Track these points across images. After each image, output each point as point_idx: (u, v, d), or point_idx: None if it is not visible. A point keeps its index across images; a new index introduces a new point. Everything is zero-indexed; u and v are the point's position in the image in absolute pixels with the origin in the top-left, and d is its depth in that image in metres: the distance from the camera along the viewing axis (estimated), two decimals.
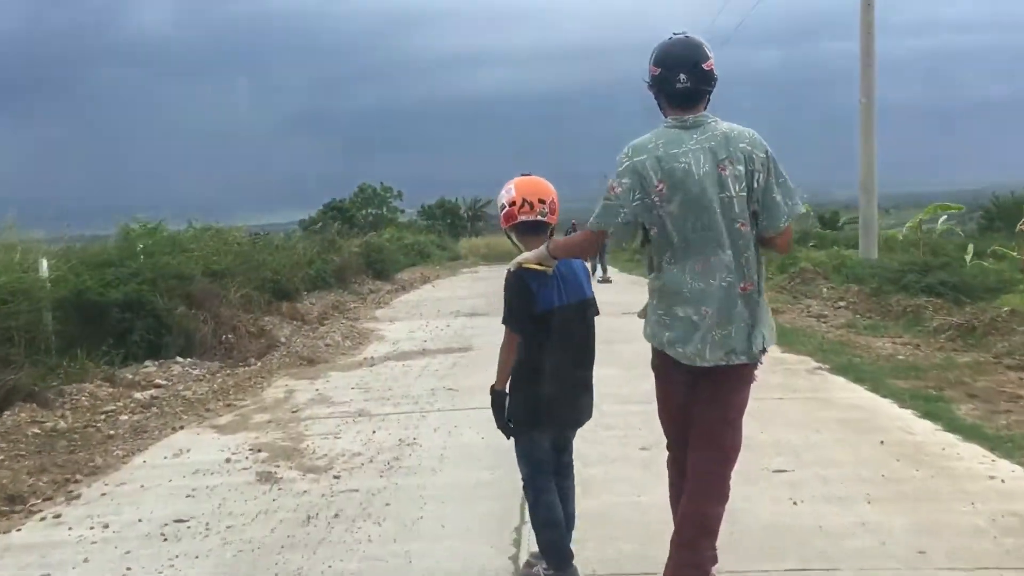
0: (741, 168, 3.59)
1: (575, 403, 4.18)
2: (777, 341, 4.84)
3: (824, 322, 13.87)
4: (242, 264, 16.52)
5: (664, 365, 3.79)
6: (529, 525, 4.53)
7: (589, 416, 4.28)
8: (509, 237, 4.28)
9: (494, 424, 4.18)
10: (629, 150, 3.69)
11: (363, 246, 27.97)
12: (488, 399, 4.14)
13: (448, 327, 15.24)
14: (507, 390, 4.11)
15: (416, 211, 70.26)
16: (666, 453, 4.09)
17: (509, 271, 4.10)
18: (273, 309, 16.69)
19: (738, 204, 3.60)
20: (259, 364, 11.80)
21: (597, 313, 4.25)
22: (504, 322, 4.15)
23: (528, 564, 4.41)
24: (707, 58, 3.68)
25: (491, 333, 12.85)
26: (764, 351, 3.72)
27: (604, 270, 26.39)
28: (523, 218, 4.12)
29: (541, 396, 4.05)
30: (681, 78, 3.64)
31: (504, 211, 4.18)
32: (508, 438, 4.20)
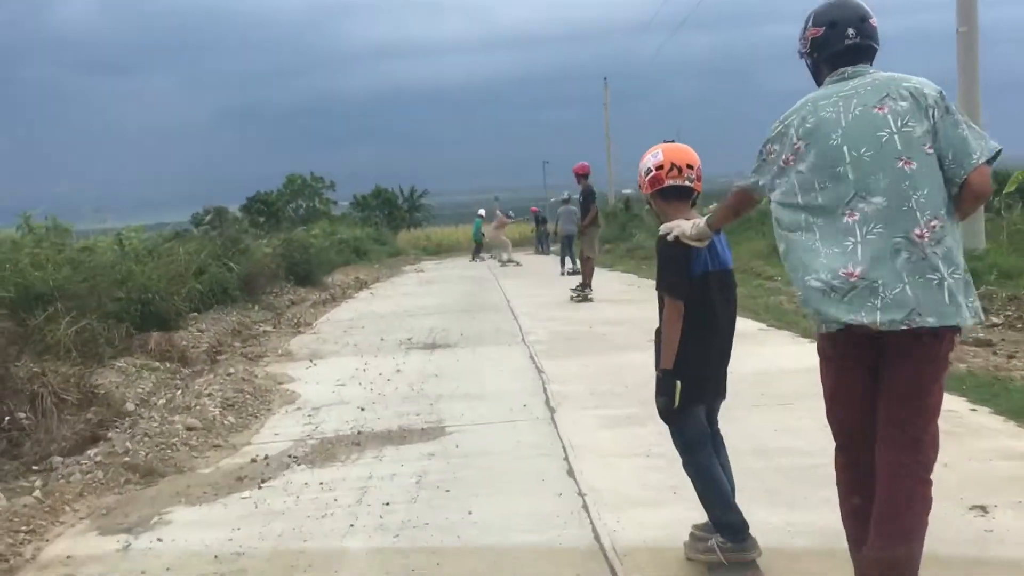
0: (905, 104, 3.24)
1: (725, 371, 4.19)
2: None
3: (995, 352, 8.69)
4: (84, 281, 10.86)
5: (830, 342, 3.31)
6: None
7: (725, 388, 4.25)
8: (649, 203, 4.27)
9: None
10: (784, 115, 3.44)
11: (282, 245, 22.15)
12: None
13: (398, 372, 9.70)
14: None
15: (349, 203, 64.35)
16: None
17: (662, 237, 3.96)
18: (136, 345, 11.05)
19: (901, 141, 3.21)
20: (41, 486, 6.07)
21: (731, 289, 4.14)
22: (665, 291, 3.99)
23: (697, 538, 4.20)
24: (871, 15, 3.42)
25: (472, 385, 8.92)
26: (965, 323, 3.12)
27: (573, 260, 22.71)
28: (671, 182, 4.06)
29: (705, 366, 4.03)
30: (850, 33, 3.38)
31: (650, 175, 4.10)
32: (668, 424, 4.13)
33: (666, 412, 4.03)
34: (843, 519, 3.50)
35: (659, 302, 4.08)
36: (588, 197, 17.36)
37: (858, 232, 3.16)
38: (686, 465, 4.14)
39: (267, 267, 18.25)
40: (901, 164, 3.18)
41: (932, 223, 3.14)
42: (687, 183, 4.05)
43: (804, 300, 3.26)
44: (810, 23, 3.49)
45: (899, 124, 3.22)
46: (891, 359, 3.23)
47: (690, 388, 3.97)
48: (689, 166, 4.06)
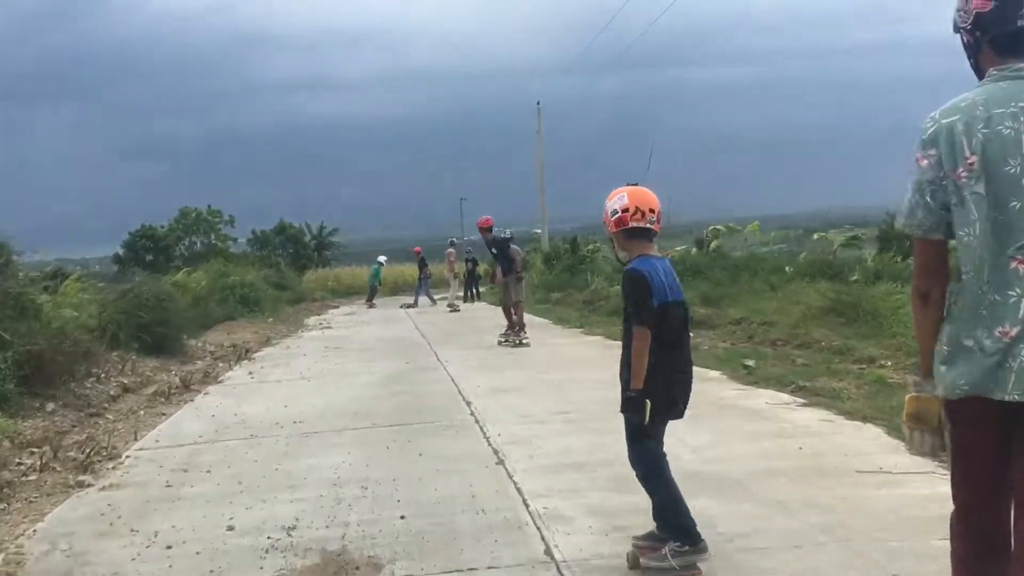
0: None
1: (688, 390, 4.51)
2: None
3: None
4: None
5: (962, 409, 2.77)
6: None
7: (684, 409, 4.54)
8: (612, 241, 4.57)
9: None
10: (939, 111, 2.76)
11: (125, 300, 15.36)
12: None
13: None
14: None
15: (246, 239, 56.95)
16: None
17: (625, 274, 4.37)
18: None
19: None
20: None
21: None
22: (634, 319, 4.31)
23: (647, 548, 4.46)
24: None
25: None
26: None
27: (475, 295, 24.31)
28: (635, 224, 4.38)
29: (673, 386, 4.38)
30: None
31: (616, 216, 4.40)
32: (638, 442, 4.45)
33: (638, 430, 4.39)
34: None
35: (624, 333, 4.45)
36: (502, 245, 16.88)
37: None
38: (646, 479, 4.49)
39: (79, 338, 11.40)
40: None
41: None
42: (648, 225, 4.41)
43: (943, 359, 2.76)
44: None
45: None
46: None
47: (660, 408, 4.35)
48: (651, 210, 4.42)
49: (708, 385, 10.13)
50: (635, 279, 4.32)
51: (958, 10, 2.86)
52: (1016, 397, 2.60)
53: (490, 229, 17.04)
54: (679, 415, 4.53)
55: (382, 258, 36.70)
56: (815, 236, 32.02)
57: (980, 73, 2.85)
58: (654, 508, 4.48)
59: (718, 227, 29.56)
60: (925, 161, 2.76)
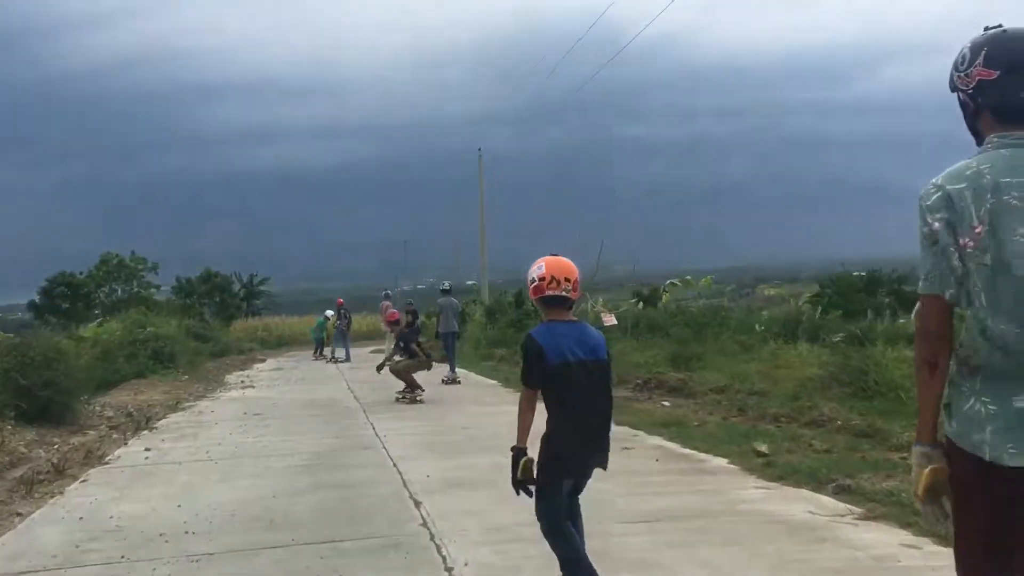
0: None
1: (592, 450, 4.60)
2: None
3: None
4: None
5: (969, 474, 2.66)
6: None
7: (604, 464, 4.68)
8: (534, 306, 4.91)
9: None
10: (940, 179, 2.71)
11: (9, 357, 12.88)
12: None
13: None
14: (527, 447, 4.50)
15: (171, 287, 53.73)
16: None
17: (527, 335, 4.62)
18: None
19: None
20: None
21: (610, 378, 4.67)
22: (521, 380, 4.59)
23: None
24: None
25: None
26: None
27: (452, 365, 20.17)
28: (550, 293, 4.60)
29: (569, 445, 4.50)
30: None
31: (534, 284, 4.64)
32: (518, 494, 4.58)
33: (513, 484, 4.55)
34: None
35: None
36: (410, 330, 17.61)
37: None
38: (547, 534, 4.58)
39: None
40: None
41: None
42: (563, 293, 4.61)
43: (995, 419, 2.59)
44: (980, 60, 2.72)
45: None
46: None
47: (556, 465, 4.51)
48: (567, 279, 4.62)
49: (718, 480, 8.01)
50: (526, 343, 4.58)
51: (958, 71, 2.81)
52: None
53: (398, 323, 17.97)
54: (586, 475, 4.74)
55: (328, 312, 34.64)
56: (767, 290, 30.76)
57: (976, 135, 2.83)
58: (559, 563, 4.62)
59: (675, 281, 27.77)
60: (937, 224, 2.67)
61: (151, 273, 50.39)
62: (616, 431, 11.08)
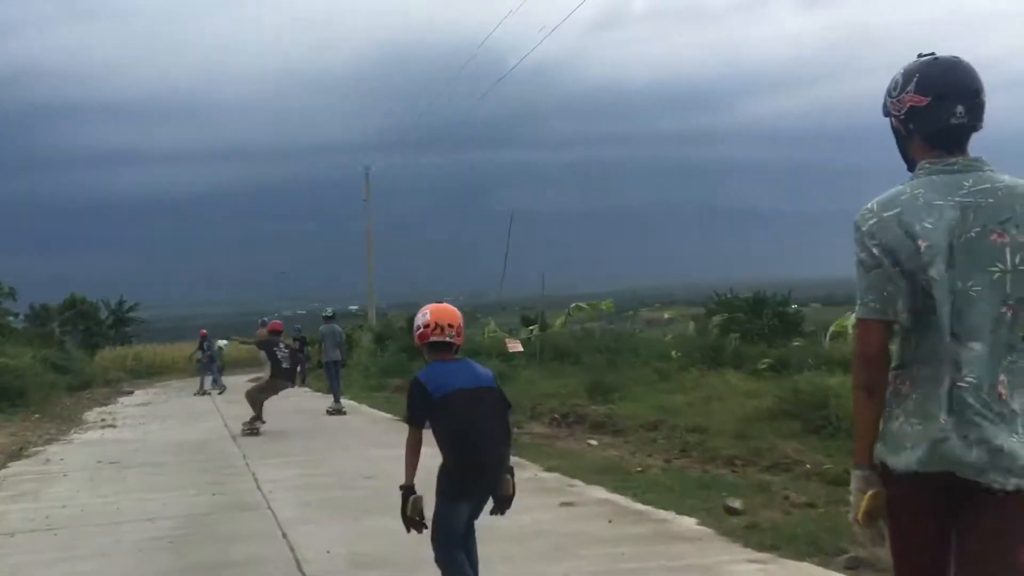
0: None
1: (490, 478, 4.69)
2: None
3: None
4: None
5: (902, 490, 2.73)
6: None
7: (505, 489, 4.73)
8: (421, 351, 4.94)
9: None
10: (874, 204, 2.77)
11: None
12: None
13: None
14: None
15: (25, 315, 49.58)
16: None
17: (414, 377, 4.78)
18: None
19: (1012, 282, 2.65)
20: None
21: (505, 402, 4.80)
22: (405, 420, 4.72)
23: None
24: (983, 88, 2.76)
25: None
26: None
27: (337, 395, 19.11)
28: (435, 339, 4.74)
29: (459, 474, 4.60)
30: (959, 111, 2.71)
31: (419, 331, 4.80)
32: (408, 532, 4.68)
33: (404, 522, 4.65)
34: None
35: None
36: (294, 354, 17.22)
37: (966, 372, 2.65)
38: (438, 561, 4.67)
39: None
40: (1004, 310, 2.68)
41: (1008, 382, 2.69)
42: (448, 339, 4.75)
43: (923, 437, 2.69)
44: (911, 86, 2.80)
45: (1016, 261, 2.66)
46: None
47: (452, 492, 4.62)
48: (450, 325, 4.76)
49: (697, 550, 6.38)
50: (410, 385, 4.77)
51: (891, 97, 2.86)
52: (976, 476, 2.63)
53: (279, 333, 16.99)
54: (484, 501, 4.76)
55: (221, 342, 32.27)
56: (649, 313, 29.87)
57: (907, 159, 2.90)
58: None
59: (580, 304, 26.41)
60: (875, 249, 2.72)
61: (8, 299, 46.35)
62: (549, 479, 9.51)
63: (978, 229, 2.65)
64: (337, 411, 18.23)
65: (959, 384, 2.62)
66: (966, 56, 2.81)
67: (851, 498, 2.78)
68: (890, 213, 2.71)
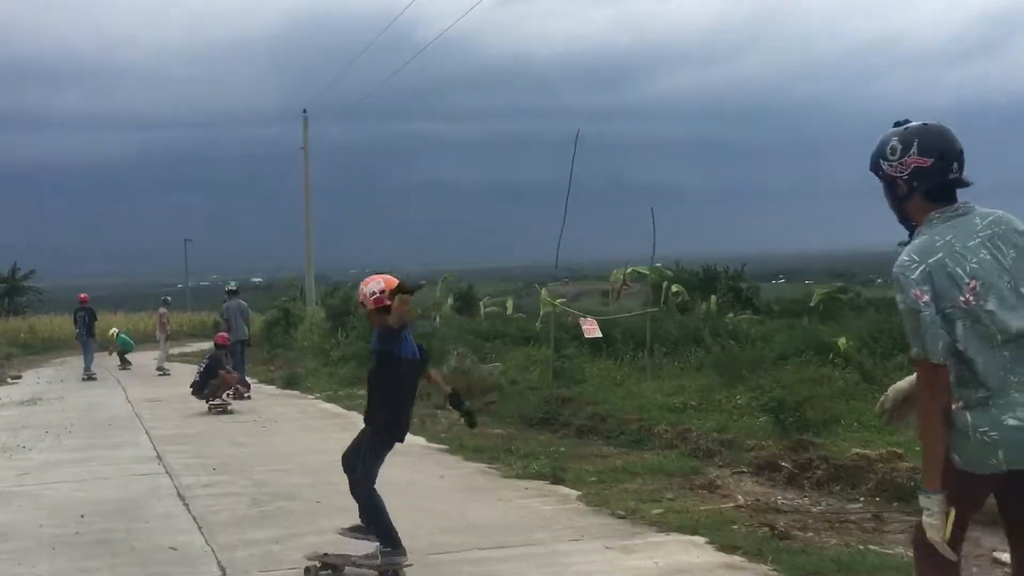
0: None
1: (406, 428, 5.71)
2: None
3: None
4: None
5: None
6: None
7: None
8: (369, 314, 5.69)
9: None
10: (917, 253, 3.13)
11: None
12: None
13: None
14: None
15: None
16: None
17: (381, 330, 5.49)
18: None
19: None
20: None
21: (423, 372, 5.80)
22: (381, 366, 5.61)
23: (355, 531, 5.68)
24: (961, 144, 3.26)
25: None
26: None
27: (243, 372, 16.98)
28: (388, 303, 5.45)
29: (398, 424, 5.61)
30: (955, 168, 3.20)
31: (374, 296, 5.52)
32: (360, 454, 5.62)
33: (368, 448, 5.61)
34: None
35: (369, 386, 5.72)
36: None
37: None
38: (366, 496, 5.51)
39: None
40: None
41: None
42: (388, 302, 5.48)
43: (1001, 441, 3.01)
44: (913, 150, 3.22)
45: None
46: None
47: (387, 439, 5.61)
48: (392, 292, 5.45)
49: None
50: (384, 332, 5.47)
51: (889, 161, 3.23)
52: None
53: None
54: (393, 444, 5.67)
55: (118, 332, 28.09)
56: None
57: (900, 213, 3.31)
58: (362, 512, 5.57)
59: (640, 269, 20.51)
60: (926, 297, 3.05)
61: None
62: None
63: (1014, 252, 3.11)
64: (242, 395, 15.63)
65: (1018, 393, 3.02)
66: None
67: (931, 520, 3.04)
68: (935, 259, 3.08)
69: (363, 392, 15.23)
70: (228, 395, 14.82)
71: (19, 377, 24.77)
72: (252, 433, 11.97)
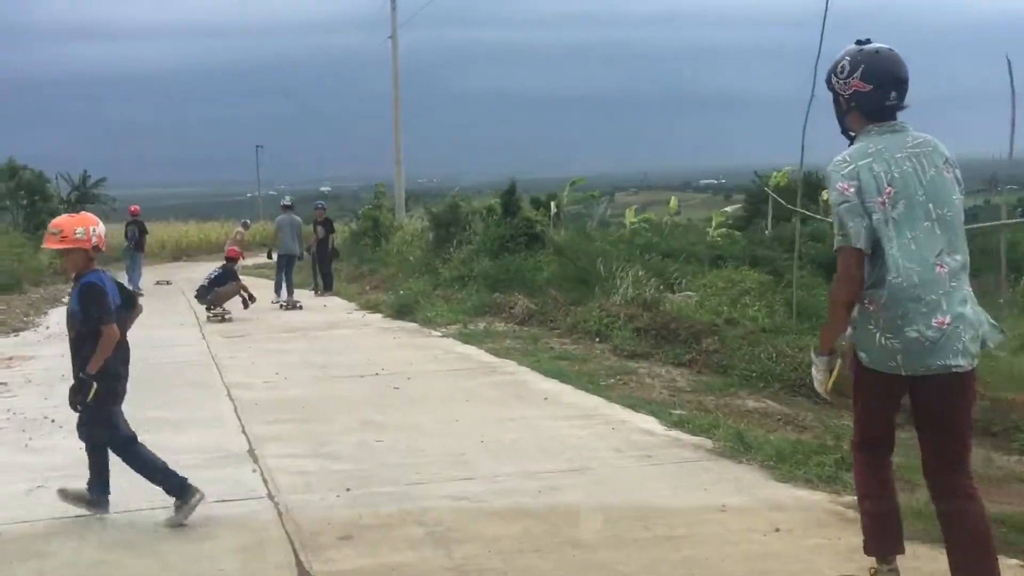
0: (959, 173, 3.48)
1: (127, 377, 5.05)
2: None
3: None
4: None
5: (879, 382, 3.45)
6: None
7: None
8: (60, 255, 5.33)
9: None
10: (849, 155, 3.47)
11: None
12: None
13: None
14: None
15: None
16: None
17: (84, 283, 4.85)
18: None
19: (959, 208, 3.44)
20: None
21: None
22: (105, 320, 4.78)
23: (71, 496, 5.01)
24: (908, 75, 3.49)
25: None
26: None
27: (290, 288, 17.11)
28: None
29: (119, 378, 4.95)
30: (892, 96, 3.45)
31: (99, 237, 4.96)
32: (77, 410, 4.90)
33: (79, 405, 4.87)
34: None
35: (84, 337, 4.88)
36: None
37: (947, 283, 3.30)
38: (128, 459, 4.97)
39: None
40: (957, 234, 3.39)
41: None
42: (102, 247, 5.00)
43: (901, 349, 3.31)
44: (857, 74, 3.45)
45: (959, 190, 3.43)
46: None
47: (111, 393, 4.89)
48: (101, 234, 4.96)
49: None
50: (98, 287, 4.86)
51: (838, 78, 3.49)
52: (954, 367, 3.28)
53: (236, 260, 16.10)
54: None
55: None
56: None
57: (842, 124, 3.59)
58: (147, 475, 4.98)
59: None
60: (850, 190, 3.36)
61: None
62: None
63: (934, 170, 3.37)
64: (292, 305, 16.43)
65: (934, 299, 3.27)
66: None
67: (816, 374, 3.58)
68: (864, 161, 3.38)
69: (502, 328, 11.35)
70: (234, 307, 15.04)
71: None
72: (385, 402, 7.87)
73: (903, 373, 3.31)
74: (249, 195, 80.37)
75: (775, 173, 20.17)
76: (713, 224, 17.09)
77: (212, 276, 15.25)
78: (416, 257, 19.30)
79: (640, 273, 11.60)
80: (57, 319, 15.57)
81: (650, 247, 13.57)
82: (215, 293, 14.82)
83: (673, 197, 21.40)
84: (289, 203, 18.60)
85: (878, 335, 3.30)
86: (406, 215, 27.65)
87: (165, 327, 13.40)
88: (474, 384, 8.60)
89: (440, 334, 12.06)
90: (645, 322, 10.28)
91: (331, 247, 19.02)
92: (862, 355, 3.37)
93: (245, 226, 22.74)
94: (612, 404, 7.53)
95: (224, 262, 15.96)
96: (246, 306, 15.00)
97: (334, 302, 17.27)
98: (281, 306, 16.55)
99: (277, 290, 17.28)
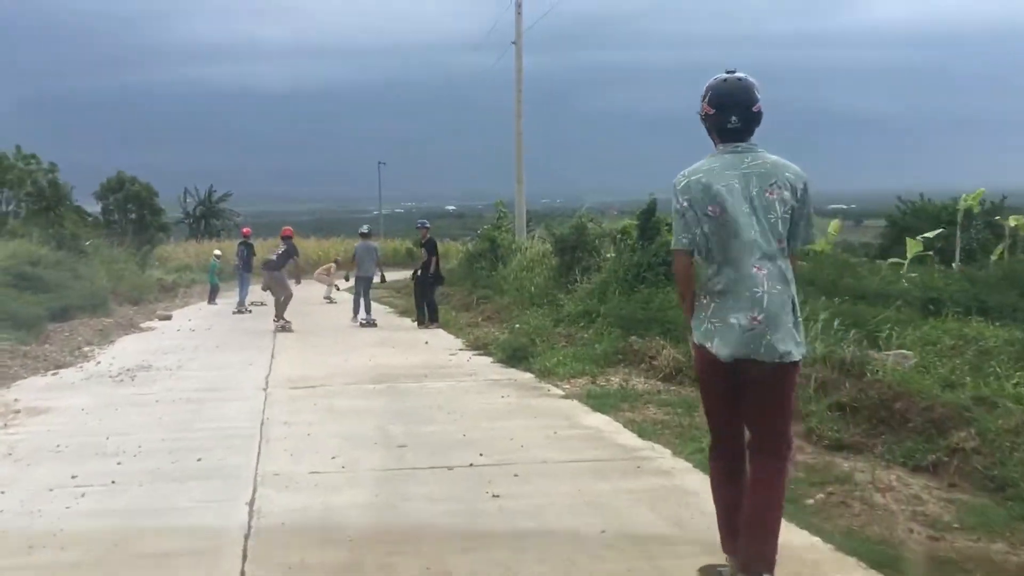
0: (787, 194, 3.77)
1: None
2: None
3: None
4: None
5: (714, 363, 3.85)
6: None
7: None
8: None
9: None
10: (687, 172, 3.89)
11: None
12: None
13: None
14: None
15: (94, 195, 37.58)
16: None
17: None
18: None
19: (781, 225, 3.78)
20: None
21: None
22: None
23: None
24: (757, 100, 3.82)
25: None
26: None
27: (368, 308, 17.76)
28: None
29: None
30: (732, 120, 3.80)
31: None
32: None
33: None
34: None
35: None
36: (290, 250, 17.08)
37: (765, 284, 3.74)
38: None
39: None
40: (777, 245, 3.79)
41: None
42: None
43: (720, 335, 3.78)
44: (707, 99, 3.86)
45: (782, 210, 3.78)
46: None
47: None
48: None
49: None
50: None
51: (700, 107, 3.90)
52: (764, 358, 3.71)
53: (290, 238, 17.39)
54: None
55: (217, 251, 28.67)
56: None
57: (712, 141, 3.93)
58: None
59: None
60: (685, 203, 3.82)
61: (46, 175, 34.11)
62: None
63: (756, 189, 3.75)
64: (367, 323, 17.14)
65: (751, 295, 3.71)
66: None
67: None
68: (695, 177, 3.81)
69: (641, 387, 8.49)
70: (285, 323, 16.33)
71: (168, 318, 19.42)
72: (477, 528, 5.06)
73: (724, 355, 3.76)
74: (374, 212, 79.63)
75: (964, 196, 16.74)
76: (907, 255, 13.75)
77: (280, 252, 16.88)
78: (537, 285, 16.57)
79: (826, 318, 8.53)
80: (122, 349, 13.45)
81: (836, 285, 10.38)
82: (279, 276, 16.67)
83: (835, 220, 18.09)
84: (367, 231, 18.85)
85: (705, 321, 3.84)
86: (527, 236, 25.03)
87: (233, 367, 11.06)
88: (611, 490, 5.74)
89: (562, 393, 9.24)
90: (850, 395, 7.23)
91: (433, 271, 16.54)
92: (694, 335, 3.97)
93: (365, 235, 21.03)
94: (839, 552, 4.58)
95: (281, 242, 17.55)
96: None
97: (438, 337, 14.69)
98: (361, 323, 17.19)
99: (356, 311, 17.77)
